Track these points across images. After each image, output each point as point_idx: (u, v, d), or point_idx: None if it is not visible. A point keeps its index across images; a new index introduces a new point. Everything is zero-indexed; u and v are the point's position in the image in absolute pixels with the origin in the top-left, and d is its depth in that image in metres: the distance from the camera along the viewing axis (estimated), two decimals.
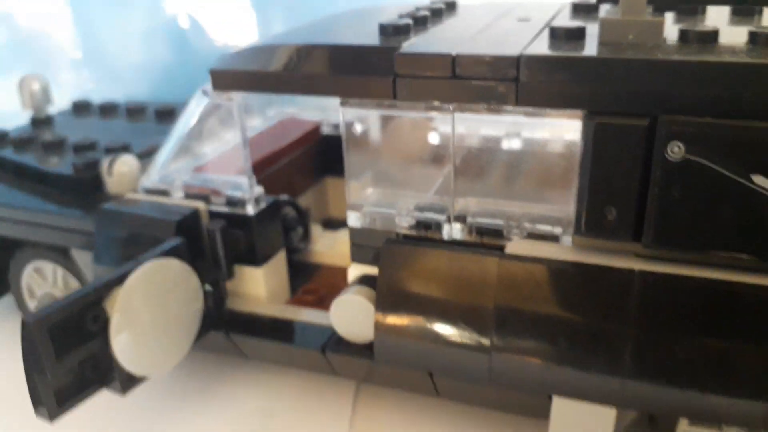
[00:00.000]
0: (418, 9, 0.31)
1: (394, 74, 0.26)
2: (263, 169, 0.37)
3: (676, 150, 0.22)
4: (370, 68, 0.26)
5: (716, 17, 0.28)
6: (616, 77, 0.22)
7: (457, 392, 0.30)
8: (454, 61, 0.25)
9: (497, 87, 0.24)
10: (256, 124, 0.44)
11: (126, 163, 0.35)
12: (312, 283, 0.37)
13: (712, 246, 0.23)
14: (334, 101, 0.28)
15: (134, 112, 0.48)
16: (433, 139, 0.28)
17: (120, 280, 0.27)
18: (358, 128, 0.29)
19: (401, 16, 0.30)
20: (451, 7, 0.34)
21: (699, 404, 0.23)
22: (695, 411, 0.23)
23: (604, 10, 0.29)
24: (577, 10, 0.31)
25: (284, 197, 0.37)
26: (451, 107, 0.26)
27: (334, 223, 0.43)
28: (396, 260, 0.27)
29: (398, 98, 0.26)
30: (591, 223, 0.24)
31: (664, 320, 0.23)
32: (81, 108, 0.50)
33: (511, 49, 0.24)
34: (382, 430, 0.31)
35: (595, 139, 0.23)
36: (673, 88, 0.22)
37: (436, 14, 0.32)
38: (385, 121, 0.29)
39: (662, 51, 0.23)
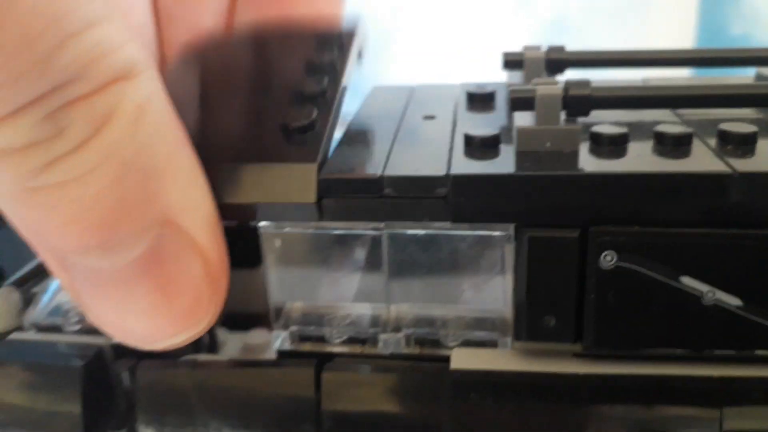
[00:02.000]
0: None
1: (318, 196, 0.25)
2: None
3: (608, 258, 0.23)
4: None
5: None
6: (544, 192, 0.23)
7: None
8: (380, 181, 0.24)
9: (427, 205, 0.24)
10: None
11: None
12: None
13: (651, 344, 0.24)
14: None
15: None
16: (362, 253, 0.27)
17: None
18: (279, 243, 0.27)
19: None
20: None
21: None
22: None
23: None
24: (474, 101, 0.31)
25: None
26: (381, 225, 0.25)
27: None
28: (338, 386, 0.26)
29: (324, 219, 0.25)
30: (531, 329, 0.24)
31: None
32: None
33: (435, 165, 0.24)
34: None
35: (529, 251, 0.23)
36: (600, 200, 0.23)
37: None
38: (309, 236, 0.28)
39: (581, 161, 0.23)
